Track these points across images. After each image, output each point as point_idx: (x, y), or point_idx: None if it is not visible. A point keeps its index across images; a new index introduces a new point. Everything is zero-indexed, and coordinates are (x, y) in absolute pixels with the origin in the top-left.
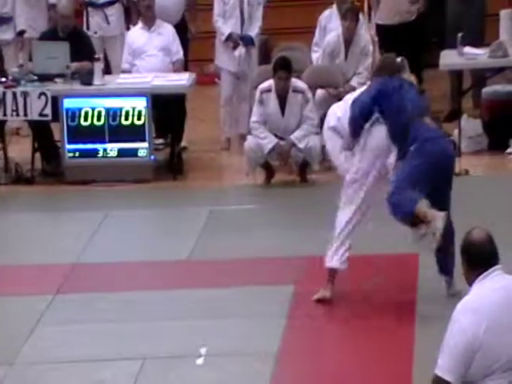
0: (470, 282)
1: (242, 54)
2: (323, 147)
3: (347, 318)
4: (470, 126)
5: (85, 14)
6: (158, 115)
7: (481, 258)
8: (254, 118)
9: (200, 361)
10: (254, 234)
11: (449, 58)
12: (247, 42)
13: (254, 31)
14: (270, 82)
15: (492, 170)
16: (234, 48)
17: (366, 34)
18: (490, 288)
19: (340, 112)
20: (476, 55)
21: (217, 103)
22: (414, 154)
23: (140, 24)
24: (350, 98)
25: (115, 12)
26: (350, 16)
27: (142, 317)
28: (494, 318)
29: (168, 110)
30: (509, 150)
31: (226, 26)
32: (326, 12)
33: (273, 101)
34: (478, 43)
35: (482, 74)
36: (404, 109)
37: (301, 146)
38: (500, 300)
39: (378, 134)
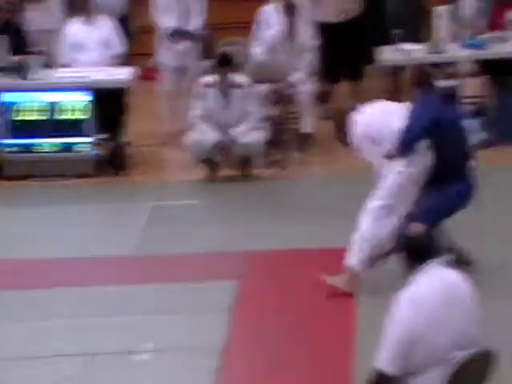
0: (410, 276)
1: (183, 48)
2: (265, 142)
3: (290, 310)
4: None
5: (25, 7)
6: (100, 110)
7: (420, 251)
8: (195, 113)
9: (146, 356)
10: (196, 230)
11: (388, 54)
12: (189, 36)
13: (195, 25)
14: (211, 77)
15: None
16: (176, 42)
17: (306, 30)
18: (428, 281)
19: (380, 123)
20: (414, 51)
21: (159, 98)
22: (454, 191)
23: (79, 17)
24: (391, 109)
25: (56, 5)
26: (291, 12)
27: (84, 313)
28: (432, 311)
29: (110, 105)
30: None
31: (167, 21)
32: (267, 7)
33: (214, 96)
34: (416, 39)
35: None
36: (461, 145)
37: (243, 141)
38: (438, 293)
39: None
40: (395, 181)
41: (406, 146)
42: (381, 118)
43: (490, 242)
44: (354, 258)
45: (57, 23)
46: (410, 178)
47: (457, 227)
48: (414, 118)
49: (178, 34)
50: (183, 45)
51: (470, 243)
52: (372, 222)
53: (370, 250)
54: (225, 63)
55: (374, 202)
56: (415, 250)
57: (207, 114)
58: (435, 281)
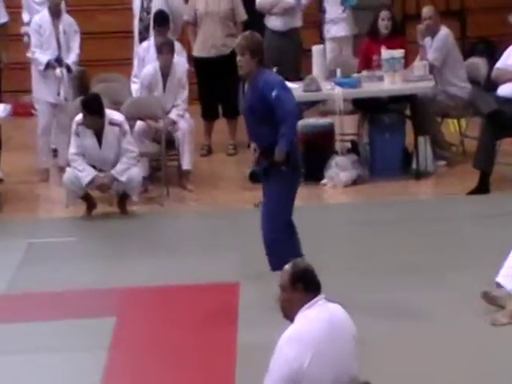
0: (294, 312)
1: (60, 79)
2: (143, 178)
3: (170, 347)
4: None
5: None
6: None
7: (315, 284)
8: (71, 151)
9: None
10: (75, 266)
11: None
12: (65, 66)
13: (71, 59)
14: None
15: (308, 200)
16: (54, 69)
17: (182, 67)
18: (315, 318)
19: None
20: (291, 89)
21: (34, 134)
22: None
23: None
24: None
25: None
26: (166, 49)
27: None
28: (319, 349)
29: None
30: (324, 181)
31: (43, 56)
32: (144, 44)
33: (89, 133)
34: (294, 77)
35: (297, 107)
36: None
37: (123, 179)
38: (325, 330)
39: None
40: None
41: None
42: None
43: (367, 276)
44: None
45: None
46: None
47: (334, 263)
48: None
49: (54, 65)
50: (59, 73)
51: (346, 278)
52: None
53: None
54: (90, 112)
55: None
56: (312, 282)
57: (83, 152)
58: (323, 317)
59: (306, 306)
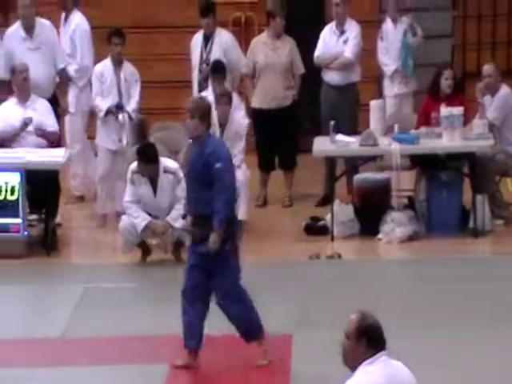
0: (355, 362)
1: (125, 123)
2: None
3: None
4: (343, 211)
5: None
6: (32, 191)
7: (379, 341)
8: (126, 198)
9: None
10: (129, 312)
11: (322, 145)
12: (126, 112)
13: (131, 106)
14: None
15: (363, 255)
16: (117, 116)
17: (240, 122)
18: (376, 373)
19: None
20: (348, 143)
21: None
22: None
23: (14, 98)
24: None
25: None
26: (224, 100)
27: None
28: None
29: (42, 186)
30: (379, 236)
31: (104, 103)
32: (203, 94)
33: (144, 182)
34: (351, 131)
35: (354, 162)
36: None
37: (177, 225)
38: None
39: None
40: None
41: None
42: None
43: (420, 334)
44: None
45: None
46: None
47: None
48: None
49: (114, 111)
50: (122, 119)
51: (399, 334)
52: None
53: None
54: (144, 161)
55: None
56: (379, 337)
57: (138, 199)
58: (384, 373)
59: (367, 360)
